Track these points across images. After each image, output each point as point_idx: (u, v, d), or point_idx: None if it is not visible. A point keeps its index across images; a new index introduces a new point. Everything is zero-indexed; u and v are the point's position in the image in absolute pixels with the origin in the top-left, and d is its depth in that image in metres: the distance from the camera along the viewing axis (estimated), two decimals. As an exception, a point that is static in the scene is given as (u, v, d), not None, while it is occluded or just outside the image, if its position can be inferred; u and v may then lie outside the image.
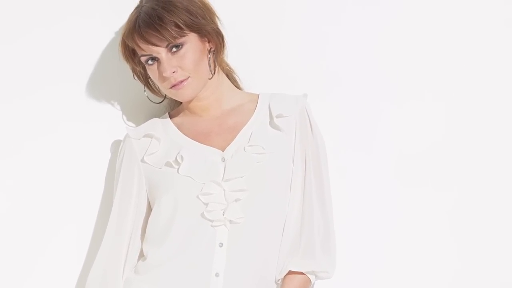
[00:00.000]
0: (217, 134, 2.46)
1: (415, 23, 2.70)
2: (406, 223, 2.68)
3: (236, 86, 2.57)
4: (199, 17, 2.41)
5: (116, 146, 2.60)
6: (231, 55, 2.54)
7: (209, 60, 2.45)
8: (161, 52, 2.39)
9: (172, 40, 2.37)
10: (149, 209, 2.50)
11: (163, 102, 2.58)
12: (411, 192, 2.69)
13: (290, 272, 2.41)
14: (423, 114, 2.70)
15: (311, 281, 2.43)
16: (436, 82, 2.70)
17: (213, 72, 2.45)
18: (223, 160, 2.41)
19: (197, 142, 2.45)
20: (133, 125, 2.64)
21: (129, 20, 2.43)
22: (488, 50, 2.71)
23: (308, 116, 2.49)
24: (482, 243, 2.68)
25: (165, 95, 2.53)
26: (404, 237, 2.68)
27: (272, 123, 2.47)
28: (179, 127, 2.50)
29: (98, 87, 2.66)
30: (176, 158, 2.42)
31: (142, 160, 2.47)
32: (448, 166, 2.69)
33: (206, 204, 2.38)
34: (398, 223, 2.68)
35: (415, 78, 2.70)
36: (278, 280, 2.43)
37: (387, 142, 2.69)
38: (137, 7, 2.43)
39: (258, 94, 2.53)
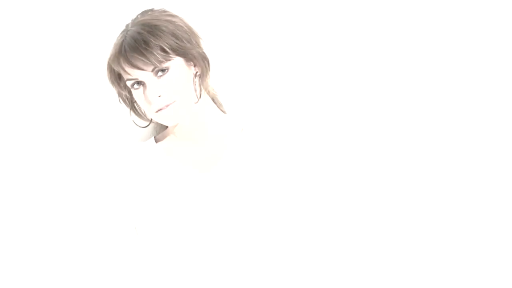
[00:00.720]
0: (204, 158, 2.46)
1: (405, 42, 2.72)
2: (396, 239, 2.69)
3: (221, 110, 2.57)
4: (185, 41, 2.41)
5: (101, 171, 2.59)
6: (216, 79, 2.55)
7: (194, 84, 2.45)
8: (146, 76, 2.39)
9: (158, 64, 2.37)
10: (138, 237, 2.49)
11: (148, 126, 2.58)
12: (400, 210, 2.69)
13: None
14: (413, 134, 2.71)
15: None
16: (426, 100, 2.72)
17: (198, 96, 2.45)
18: (212, 183, 2.41)
19: (183, 166, 2.45)
20: (119, 150, 2.63)
21: (115, 44, 2.43)
22: (479, 70, 2.73)
23: (296, 133, 2.49)
24: (473, 267, 2.69)
25: (151, 119, 2.52)
26: (394, 252, 2.69)
27: (259, 144, 2.47)
28: (165, 151, 2.50)
29: (83, 111, 2.66)
30: (163, 183, 2.41)
31: (128, 187, 2.46)
32: (440, 182, 2.71)
33: (199, 228, 2.37)
34: (388, 239, 2.69)
35: (406, 93, 2.72)
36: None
37: (376, 159, 2.70)
38: (122, 31, 2.43)
39: (244, 117, 2.54)
